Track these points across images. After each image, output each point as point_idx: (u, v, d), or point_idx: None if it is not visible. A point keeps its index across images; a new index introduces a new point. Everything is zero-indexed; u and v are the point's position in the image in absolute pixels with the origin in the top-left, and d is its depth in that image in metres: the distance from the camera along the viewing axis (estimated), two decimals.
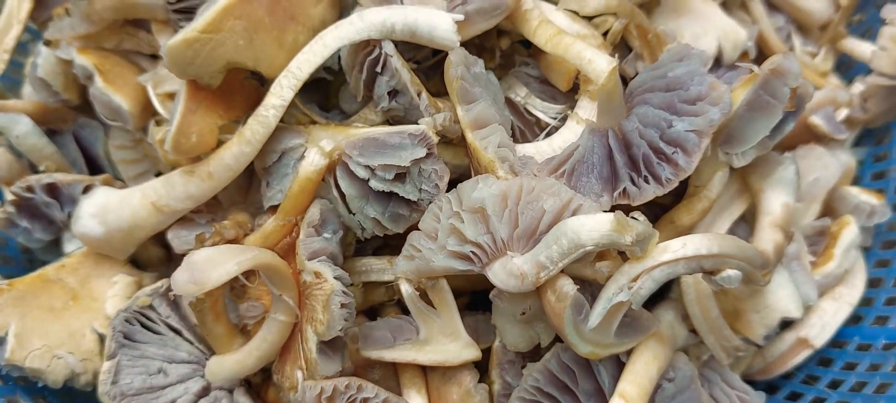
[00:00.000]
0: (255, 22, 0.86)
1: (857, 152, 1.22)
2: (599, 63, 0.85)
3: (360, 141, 0.87)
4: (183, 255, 0.98)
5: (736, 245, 0.81)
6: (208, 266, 0.78)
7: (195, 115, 0.88)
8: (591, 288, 0.84)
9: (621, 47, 1.00)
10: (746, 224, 1.01)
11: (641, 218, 0.77)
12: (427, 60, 0.97)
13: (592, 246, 0.76)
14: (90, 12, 1.00)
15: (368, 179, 0.87)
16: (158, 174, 1.10)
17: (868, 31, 1.28)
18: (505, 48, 0.99)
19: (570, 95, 0.98)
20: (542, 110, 0.97)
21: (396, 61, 0.87)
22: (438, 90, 0.94)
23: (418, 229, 0.87)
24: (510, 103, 0.98)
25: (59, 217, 1.04)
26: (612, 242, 0.76)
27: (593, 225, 0.76)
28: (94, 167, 1.14)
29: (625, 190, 0.84)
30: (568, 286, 0.78)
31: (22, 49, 1.18)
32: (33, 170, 1.14)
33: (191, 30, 0.83)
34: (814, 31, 1.28)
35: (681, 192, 0.95)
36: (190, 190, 0.92)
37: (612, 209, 0.80)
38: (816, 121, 1.13)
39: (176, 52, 0.83)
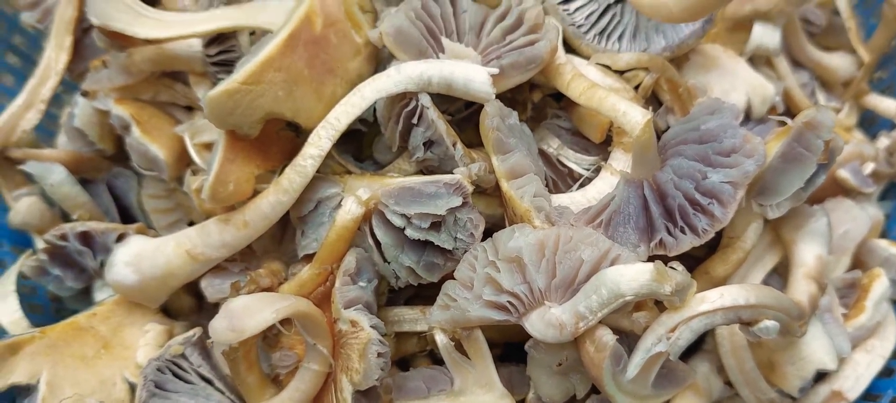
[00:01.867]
0: (295, 74, 0.88)
1: (883, 206, 1.22)
2: (634, 115, 0.86)
3: (395, 190, 0.88)
4: (215, 304, 0.99)
5: (773, 295, 0.81)
6: (246, 314, 0.78)
7: (233, 165, 0.89)
8: (627, 340, 0.83)
9: (651, 101, 1.02)
10: (779, 275, 1.01)
11: (680, 267, 0.77)
12: (460, 112, 0.99)
13: (632, 296, 0.76)
14: (129, 64, 1.03)
15: (404, 228, 0.87)
16: (191, 223, 1.11)
17: (890, 87, 1.29)
18: (537, 101, 1.00)
19: (602, 147, 0.99)
20: (575, 161, 0.98)
21: (432, 113, 0.88)
22: (470, 141, 0.95)
23: (453, 278, 0.87)
24: (543, 154, 0.99)
25: (92, 265, 1.04)
26: (651, 292, 0.76)
27: (633, 274, 0.76)
28: (126, 216, 1.15)
29: (661, 240, 0.85)
30: (607, 336, 0.77)
31: (56, 100, 1.20)
32: (65, 218, 1.15)
33: (232, 81, 0.84)
34: (837, 88, 1.30)
35: (714, 244, 0.95)
36: (225, 238, 0.92)
37: (649, 260, 0.80)
38: (844, 174, 1.13)
39: (216, 103, 0.85)
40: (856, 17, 1.28)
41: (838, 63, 1.28)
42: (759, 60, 1.17)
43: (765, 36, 1.12)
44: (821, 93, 1.28)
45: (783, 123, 0.89)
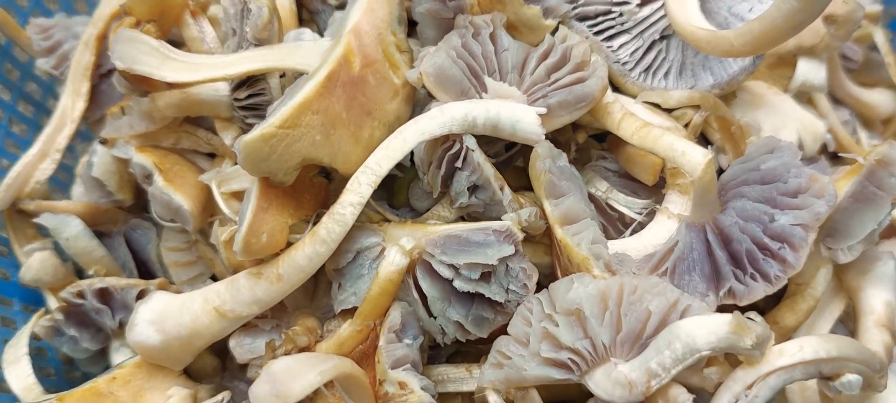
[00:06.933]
0: (333, 117, 0.82)
1: None
2: (694, 155, 0.81)
3: (441, 238, 0.82)
4: (242, 366, 0.92)
5: (854, 347, 0.75)
6: (290, 377, 0.71)
7: (267, 214, 0.83)
8: (697, 399, 0.77)
9: (699, 140, 0.97)
10: (841, 323, 0.95)
11: (758, 319, 0.72)
12: (500, 155, 0.94)
13: (709, 351, 0.70)
14: (152, 110, 0.97)
15: (452, 279, 0.81)
16: (213, 277, 1.05)
17: None
18: (581, 141, 0.96)
19: (651, 189, 0.94)
20: (626, 205, 0.93)
21: (479, 156, 0.83)
22: (509, 184, 0.90)
23: (506, 334, 0.80)
24: (592, 198, 0.94)
25: (110, 324, 0.98)
26: (730, 345, 0.70)
27: (710, 327, 0.70)
28: (143, 271, 1.09)
29: (731, 289, 0.79)
30: (683, 396, 0.71)
31: (68, 150, 1.14)
32: (79, 274, 1.09)
33: (268, 124, 0.79)
34: (877, 125, 1.26)
35: (779, 292, 0.89)
36: (257, 294, 0.85)
37: (719, 309, 0.75)
38: None
39: (252, 148, 0.79)
40: (894, 52, 1.25)
41: (878, 99, 1.25)
42: (800, 97, 1.13)
43: (810, 72, 1.08)
44: (862, 131, 1.24)
45: (852, 161, 0.84)
